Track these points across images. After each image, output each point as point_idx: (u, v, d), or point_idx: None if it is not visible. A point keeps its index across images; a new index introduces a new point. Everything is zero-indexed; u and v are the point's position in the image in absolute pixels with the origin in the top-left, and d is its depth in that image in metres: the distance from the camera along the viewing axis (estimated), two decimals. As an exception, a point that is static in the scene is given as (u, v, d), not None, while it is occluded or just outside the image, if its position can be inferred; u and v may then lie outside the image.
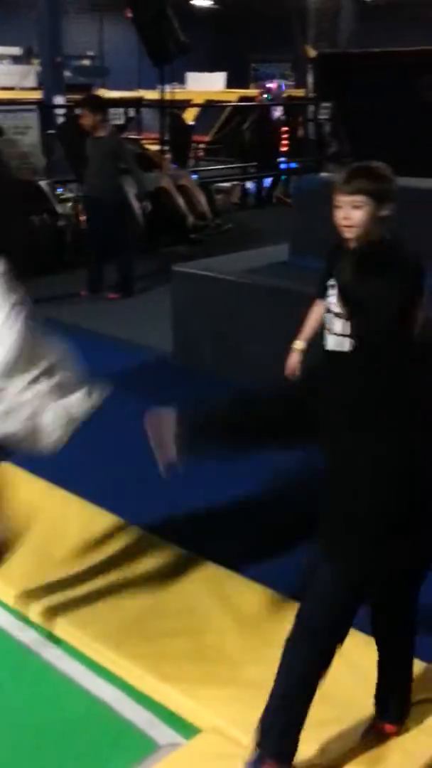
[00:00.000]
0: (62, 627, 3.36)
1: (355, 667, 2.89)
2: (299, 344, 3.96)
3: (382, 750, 2.74)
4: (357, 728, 2.80)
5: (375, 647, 2.73)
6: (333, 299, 3.46)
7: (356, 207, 3.43)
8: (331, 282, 3.53)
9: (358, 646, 2.77)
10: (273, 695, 2.56)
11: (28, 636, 3.39)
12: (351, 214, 3.44)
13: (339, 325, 3.51)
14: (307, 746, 2.64)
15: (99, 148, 8.36)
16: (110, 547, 3.81)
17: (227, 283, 6.10)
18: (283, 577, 3.69)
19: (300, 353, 3.94)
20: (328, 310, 3.66)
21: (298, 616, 2.55)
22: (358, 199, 3.42)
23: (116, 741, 2.87)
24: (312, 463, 2.48)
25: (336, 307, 3.31)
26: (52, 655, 3.27)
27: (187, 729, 2.89)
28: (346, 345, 3.15)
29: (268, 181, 16.17)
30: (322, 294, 3.73)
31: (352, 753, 2.73)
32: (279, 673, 2.56)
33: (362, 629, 2.71)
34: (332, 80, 14.53)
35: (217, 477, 4.54)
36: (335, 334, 3.60)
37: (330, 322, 3.66)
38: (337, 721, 2.81)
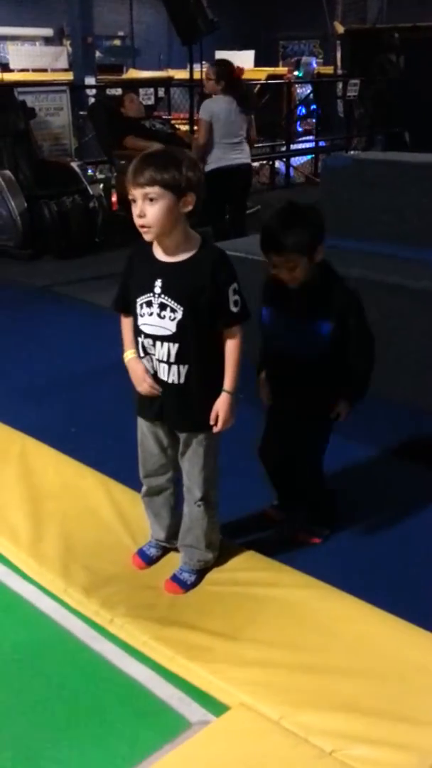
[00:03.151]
0: (94, 609, 3.42)
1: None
2: None
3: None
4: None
5: None
6: None
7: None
8: None
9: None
10: None
11: (61, 616, 3.45)
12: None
13: None
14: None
15: None
16: (143, 528, 3.85)
17: (255, 263, 6.06)
18: (313, 560, 3.74)
19: None
20: None
21: None
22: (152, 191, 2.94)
23: (149, 719, 2.93)
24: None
25: None
26: (87, 636, 3.33)
27: (216, 707, 2.95)
28: None
29: (297, 161, 16.09)
30: None
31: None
32: None
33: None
34: (360, 57, 14.43)
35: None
36: None
37: None
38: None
